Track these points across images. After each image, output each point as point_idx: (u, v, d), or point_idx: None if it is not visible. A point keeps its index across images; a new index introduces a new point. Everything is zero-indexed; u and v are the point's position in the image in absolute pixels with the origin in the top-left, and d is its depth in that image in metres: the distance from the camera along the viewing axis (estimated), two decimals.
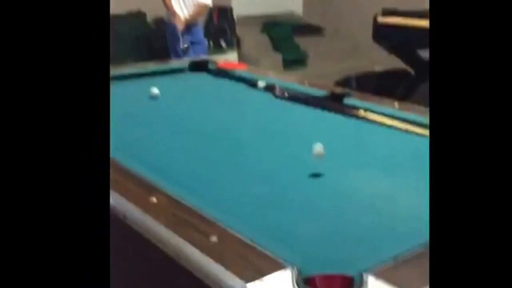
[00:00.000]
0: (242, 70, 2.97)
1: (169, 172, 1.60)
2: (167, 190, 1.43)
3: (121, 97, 2.52)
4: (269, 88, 2.59)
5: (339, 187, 1.56)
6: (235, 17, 6.18)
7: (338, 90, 2.56)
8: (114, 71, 2.62)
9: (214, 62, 3.12)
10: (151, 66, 3.13)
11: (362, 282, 1.02)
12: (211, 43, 5.80)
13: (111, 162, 1.63)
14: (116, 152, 1.72)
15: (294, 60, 6.42)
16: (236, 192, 1.52)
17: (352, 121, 2.14)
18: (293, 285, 1.02)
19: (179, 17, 4.22)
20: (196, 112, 2.33)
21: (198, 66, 3.11)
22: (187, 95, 2.67)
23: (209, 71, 3.04)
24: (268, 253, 1.13)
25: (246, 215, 1.35)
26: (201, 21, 4.84)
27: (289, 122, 2.20)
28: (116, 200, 1.41)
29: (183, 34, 4.21)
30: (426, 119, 1.95)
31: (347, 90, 2.61)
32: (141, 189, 1.45)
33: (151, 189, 1.44)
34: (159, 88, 2.50)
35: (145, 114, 2.32)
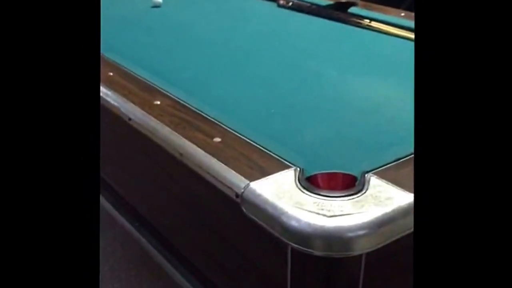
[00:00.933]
0: None
1: (173, 77, 1.60)
2: (170, 94, 1.43)
3: (123, 5, 2.48)
4: None
5: (343, 93, 1.55)
6: None
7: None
8: None
9: None
10: None
11: (364, 180, 1.03)
12: None
13: (116, 67, 1.63)
14: (120, 58, 1.71)
15: None
16: (239, 97, 1.51)
17: (357, 30, 2.11)
18: (296, 183, 1.03)
19: None
20: (198, 21, 2.30)
21: None
22: (190, 4, 2.62)
23: None
24: (271, 154, 1.15)
25: (249, 119, 1.35)
26: None
27: (292, 30, 2.17)
28: (121, 103, 1.42)
29: None
30: None
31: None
32: (145, 93, 1.45)
33: (155, 93, 1.45)
34: None
35: (147, 22, 2.28)
